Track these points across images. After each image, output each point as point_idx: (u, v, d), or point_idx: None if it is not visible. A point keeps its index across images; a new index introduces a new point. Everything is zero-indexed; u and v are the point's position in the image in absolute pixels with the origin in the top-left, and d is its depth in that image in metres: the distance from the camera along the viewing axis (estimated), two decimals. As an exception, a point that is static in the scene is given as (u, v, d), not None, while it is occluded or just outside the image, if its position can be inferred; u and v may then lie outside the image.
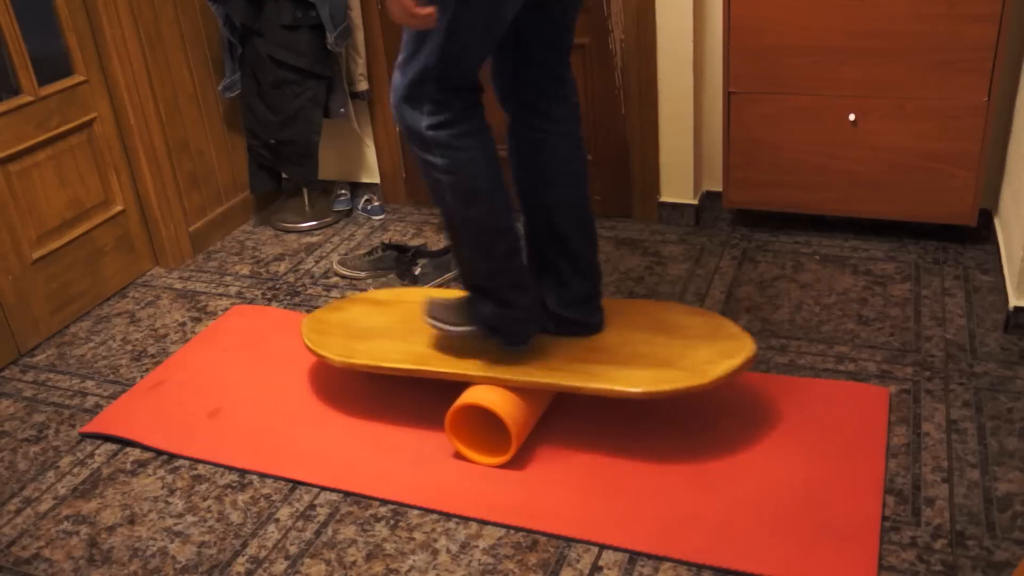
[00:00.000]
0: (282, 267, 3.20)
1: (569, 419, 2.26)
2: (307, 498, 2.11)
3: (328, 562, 1.92)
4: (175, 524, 2.06)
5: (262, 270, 3.19)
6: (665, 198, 3.21)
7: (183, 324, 2.88)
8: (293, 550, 1.96)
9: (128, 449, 2.32)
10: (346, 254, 3.23)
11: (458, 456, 2.16)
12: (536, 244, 2.22)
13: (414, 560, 1.91)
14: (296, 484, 2.15)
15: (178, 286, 3.12)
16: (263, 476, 2.18)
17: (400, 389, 2.43)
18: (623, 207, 3.26)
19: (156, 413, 2.43)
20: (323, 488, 2.13)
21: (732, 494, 1.99)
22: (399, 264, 2.98)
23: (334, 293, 2.98)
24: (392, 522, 2.01)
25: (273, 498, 2.12)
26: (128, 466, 2.26)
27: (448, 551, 1.92)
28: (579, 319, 2.23)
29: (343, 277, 3.08)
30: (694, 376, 2.02)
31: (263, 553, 1.96)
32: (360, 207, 3.58)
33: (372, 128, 3.52)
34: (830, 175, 2.90)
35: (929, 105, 2.70)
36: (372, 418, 2.34)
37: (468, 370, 2.14)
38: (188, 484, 2.18)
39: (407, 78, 1.93)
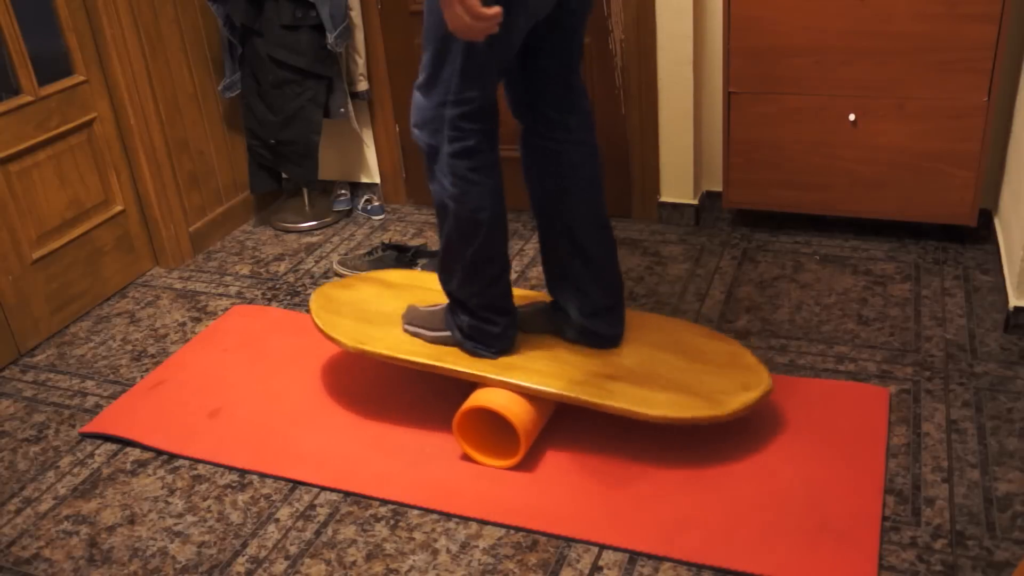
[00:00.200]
0: (282, 267, 3.20)
1: (569, 420, 2.25)
2: (307, 498, 2.11)
3: (328, 562, 1.92)
4: (175, 524, 2.06)
5: (262, 270, 3.19)
6: (665, 198, 3.21)
7: (183, 324, 2.88)
8: (293, 550, 1.96)
9: (128, 449, 2.32)
10: (346, 254, 3.23)
11: (465, 458, 2.15)
12: (554, 253, 2.21)
13: (414, 560, 1.91)
14: (296, 484, 2.15)
15: (178, 286, 3.12)
16: (263, 476, 2.18)
17: (400, 389, 2.43)
18: (623, 207, 3.26)
19: (156, 413, 2.43)
20: (323, 488, 2.13)
21: (732, 494, 1.99)
22: (399, 264, 2.98)
23: (334, 293, 2.98)
24: (392, 522, 2.01)
25: (273, 498, 2.12)
26: (128, 466, 2.26)
27: (448, 551, 1.92)
28: (600, 331, 2.21)
29: (343, 277, 3.08)
30: (712, 406, 2.01)
31: (263, 553, 1.96)
32: (360, 207, 3.58)
33: (372, 128, 3.52)
34: (830, 175, 2.90)
35: (929, 105, 2.70)
36: (372, 418, 2.33)
37: (485, 371, 2.13)
38: (188, 484, 2.18)
39: (430, 101, 1.95)
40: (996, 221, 2.89)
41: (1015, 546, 1.81)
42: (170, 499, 2.14)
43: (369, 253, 3.08)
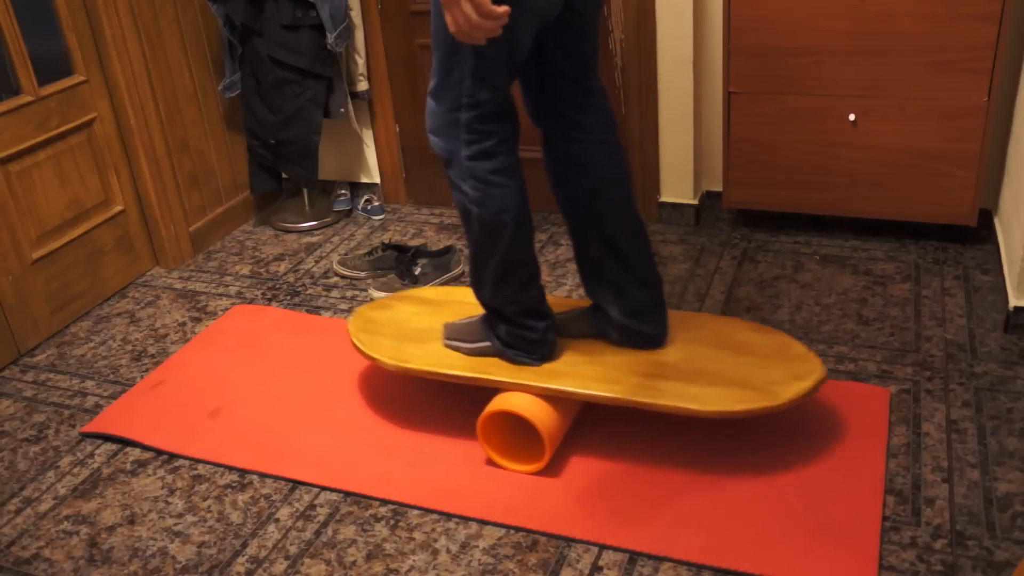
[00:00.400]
0: (282, 267, 3.20)
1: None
2: (307, 498, 2.10)
3: (328, 562, 1.92)
4: (175, 524, 2.06)
5: (262, 270, 3.19)
6: (665, 198, 3.21)
7: (183, 324, 2.88)
8: (293, 550, 1.96)
9: (128, 449, 2.32)
10: (346, 254, 3.23)
11: (492, 463, 2.14)
12: (588, 256, 2.19)
13: (414, 560, 1.91)
14: (296, 484, 2.15)
15: (178, 286, 3.12)
16: (263, 476, 2.18)
17: (401, 389, 2.43)
18: (623, 207, 3.26)
19: (156, 413, 2.43)
20: (323, 488, 2.13)
21: (732, 494, 1.99)
22: (399, 264, 2.98)
23: (334, 293, 2.98)
24: (392, 522, 2.01)
25: (273, 498, 2.12)
26: (128, 466, 2.26)
27: (448, 551, 1.92)
28: (644, 330, 2.18)
29: (343, 277, 3.08)
30: (765, 397, 1.98)
31: (263, 553, 1.96)
32: (360, 207, 3.58)
33: (372, 128, 3.52)
34: (830, 175, 2.90)
35: (929, 105, 2.70)
36: (372, 418, 2.33)
37: (529, 379, 2.09)
38: (188, 484, 2.18)
39: (443, 106, 1.93)
40: (996, 221, 2.89)
41: (1015, 546, 1.81)
42: (170, 499, 2.14)
43: (369, 253, 3.08)
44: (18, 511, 2.15)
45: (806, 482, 2.00)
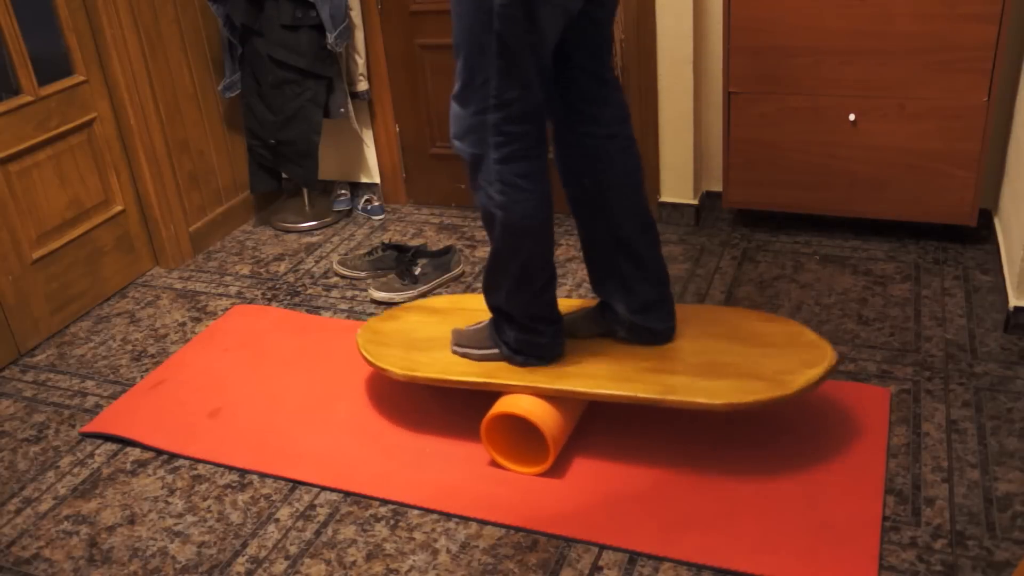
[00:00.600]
0: (282, 267, 3.20)
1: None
2: (307, 498, 2.10)
3: (328, 562, 1.92)
4: (175, 524, 2.06)
5: (262, 270, 3.19)
6: (665, 198, 3.21)
7: (183, 324, 2.88)
8: (293, 550, 1.96)
9: (128, 449, 2.32)
10: (346, 254, 3.23)
11: (493, 464, 2.14)
12: (597, 251, 2.17)
13: (414, 560, 1.91)
14: (296, 484, 2.15)
15: (178, 286, 3.12)
16: (263, 476, 2.18)
17: (401, 389, 2.43)
18: (623, 207, 3.26)
19: (156, 413, 2.43)
20: (323, 488, 2.13)
21: (732, 494, 1.99)
22: (399, 264, 2.98)
23: (334, 293, 2.98)
24: (392, 522, 2.01)
25: (273, 498, 2.12)
26: (128, 466, 2.26)
27: (448, 551, 1.92)
28: (651, 326, 2.17)
29: (343, 277, 3.08)
30: (775, 387, 1.96)
31: (263, 553, 1.96)
32: (360, 207, 3.58)
33: (372, 128, 3.52)
34: (830, 175, 2.90)
35: (929, 105, 2.70)
36: (372, 418, 2.33)
37: (539, 382, 2.08)
38: (188, 484, 2.18)
39: (469, 109, 1.91)
40: (996, 221, 2.89)
41: (1015, 546, 1.81)
42: (170, 499, 2.14)
43: (369, 253, 3.08)
44: (18, 511, 2.15)
45: (806, 482, 2.00)
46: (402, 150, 3.54)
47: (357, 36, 3.27)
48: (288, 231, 3.47)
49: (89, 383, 2.62)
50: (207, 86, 3.31)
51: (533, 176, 1.95)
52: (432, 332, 2.35)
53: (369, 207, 3.55)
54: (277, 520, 2.05)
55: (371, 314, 2.83)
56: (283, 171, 3.39)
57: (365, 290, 2.98)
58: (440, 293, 2.91)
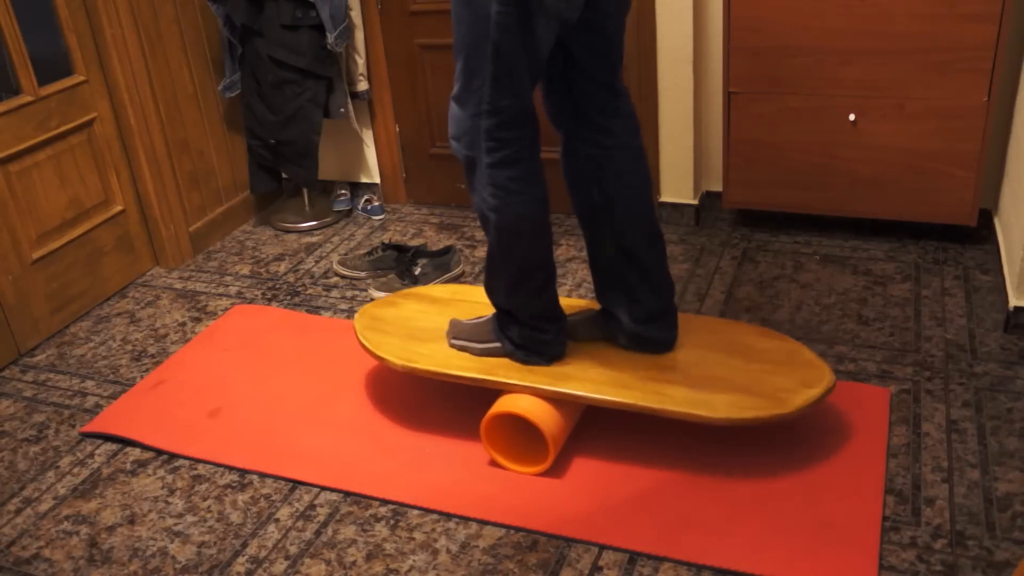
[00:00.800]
0: (282, 267, 3.20)
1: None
2: (307, 498, 2.10)
3: (328, 562, 1.92)
4: (175, 524, 2.06)
5: (262, 270, 3.19)
6: (665, 198, 3.21)
7: (183, 324, 2.88)
8: (293, 550, 1.96)
9: (128, 449, 2.32)
10: (346, 254, 3.23)
11: (492, 464, 2.14)
12: (602, 260, 2.17)
13: (414, 560, 1.91)
14: (296, 484, 2.15)
15: (178, 286, 3.12)
16: (263, 476, 2.18)
17: (401, 389, 2.43)
18: (623, 207, 3.26)
19: (156, 413, 2.43)
20: (323, 488, 2.13)
21: (732, 494, 1.99)
22: (399, 264, 2.98)
23: (334, 293, 2.98)
24: (392, 522, 2.01)
25: (273, 498, 2.12)
26: (128, 466, 2.26)
27: (448, 551, 1.92)
28: (653, 336, 2.17)
29: (343, 277, 3.08)
30: (775, 404, 1.97)
31: (263, 553, 1.96)
32: (360, 207, 3.58)
33: (372, 128, 3.52)
34: (830, 175, 2.90)
35: (929, 105, 2.71)
36: (372, 418, 2.33)
37: (539, 383, 2.08)
38: (188, 484, 2.18)
39: (466, 111, 1.92)
40: (996, 221, 2.89)
41: (1015, 546, 1.81)
42: (170, 499, 2.14)
43: (369, 253, 3.08)
44: (18, 511, 2.15)
45: (806, 482, 2.00)
46: (402, 150, 3.54)
47: (357, 36, 3.27)
48: (288, 231, 3.47)
49: (89, 383, 2.62)
50: (207, 86, 3.31)
51: (525, 179, 1.95)
52: (431, 322, 2.35)
53: (369, 207, 3.55)
54: (277, 520, 2.05)
55: (371, 314, 2.83)
56: (283, 171, 3.39)
57: (365, 290, 2.98)
58: (440, 293, 2.91)
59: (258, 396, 2.46)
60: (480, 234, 3.29)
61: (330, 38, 3.13)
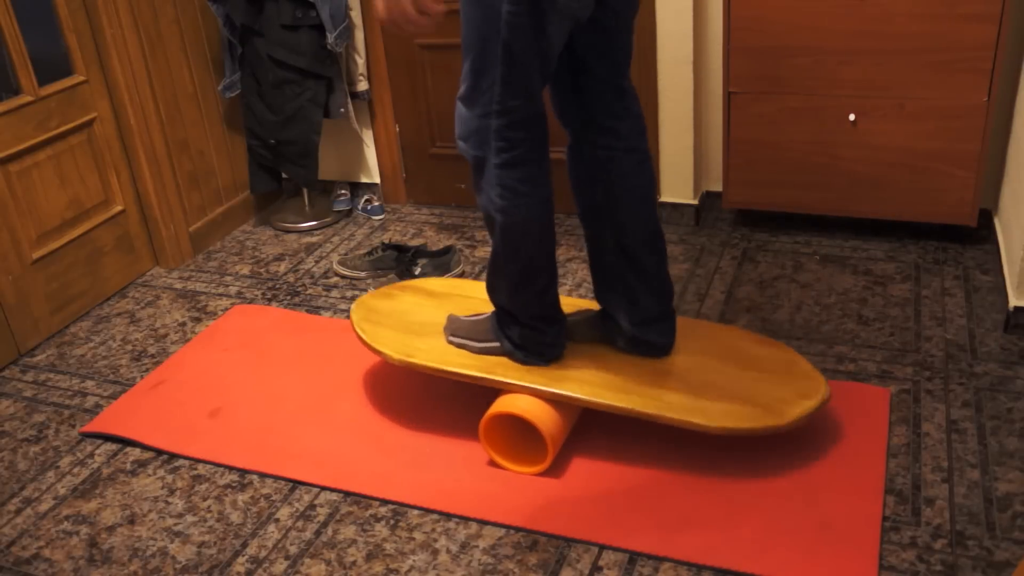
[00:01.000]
0: (282, 267, 3.20)
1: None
2: (307, 498, 2.11)
3: (328, 562, 1.92)
4: (175, 524, 2.06)
5: (262, 270, 3.19)
6: (665, 198, 3.21)
7: (183, 324, 2.88)
8: (293, 550, 1.96)
9: (128, 449, 2.32)
10: (346, 254, 3.23)
11: (492, 464, 2.14)
12: (603, 261, 2.16)
13: (414, 560, 1.91)
14: (296, 484, 2.15)
15: (178, 286, 3.13)
16: (263, 476, 2.18)
17: (401, 389, 2.43)
18: (623, 207, 3.26)
19: (156, 413, 2.43)
20: (323, 488, 2.13)
21: (732, 494, 1.99)
22: (399, 264, 2.98)
23: (334, 293, 2.98)
24: (392, 522, 2.01)
25: (273, 498, 2.12)
26: (128, 466, 2.26)
27: (448, 551, 1.92)
28: (652, 339, 2.16)
29: (343, 277, 3.08)
30: (771, 415, 1.97)
31: (263, 553, 1.96)
32: (360, 207, 3.58)
33: (372, 128, 3.52)
34: (830, 175, 2.90)
35: (929, 105, 2.71)
36: (372, 418, 2.33)
37: (537, 383, 2.07)
38: (188, 484, 2.18)
39: (474, 111, 1.91)
40: (996, 221, 2.89)
41: (1015, 546, 1.81)
42: (170, 499, 2.14)
43: (369, 253, 3.08)
44: (18, 511, 2.15)
45: (806, 482, 2.00)
46: (402, 150, 3.54)
47: (357, 36, 3.27)
48: (288, 231, 3.47)
49: (89, 383, 2.62)
50: (207, 86, 3.31)
51: (533, 180, 1.94)
52: (429, 316, 2.34)
53: (369, 207, 3.55)
54: (277, 520, 2.05)
55: (371, 314, 2.83)
56: (283, 171, 3.39)
57: (365, 290, 2.98)
58: (440, 293, 2.91)
59: (258, 396, 2.46)
60: (481, 234, 3.29)
61: (330, 38, 3.13)
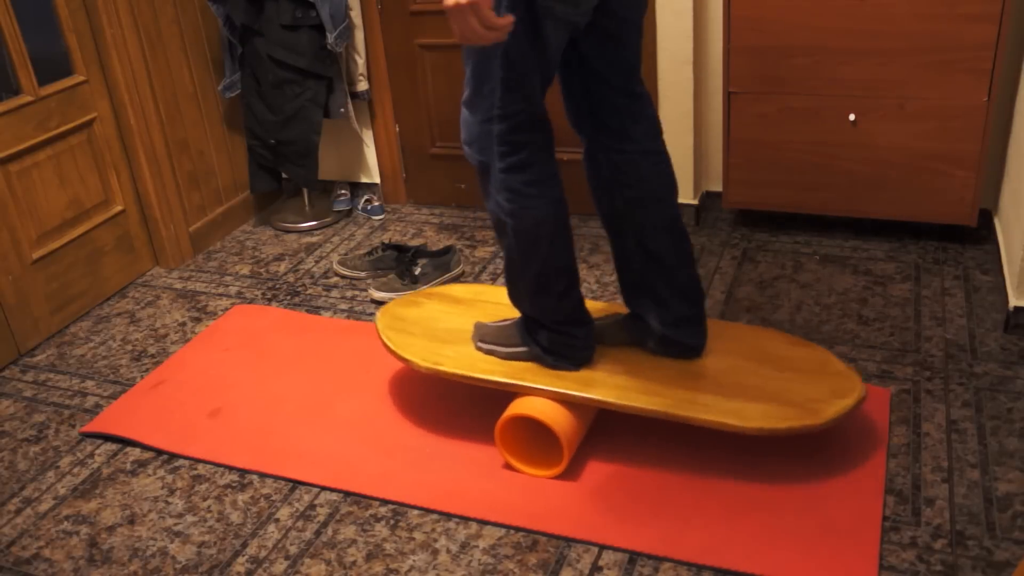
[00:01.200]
0: (282, 267, 3.20)
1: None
2: (307, 498, 2.11)
3: (328, 562, 1.92)
4: (175, 524, 2.06)
5: (262, 270, 3.19)
6: (665, 198, 3.21)
7: (183, 324, 2.88)
8: (293, 550, 1.96)
9: (128, 449, 2.32)
10: (346, 254, 3.23)
11: (506, 466, 2.13)
12: (629, 265, 2.14)
13: (414, 560, 1.91)
14: (296, 484, 2.15)
15: (178, 286, 3.13)
16: (263, 476, 2.18)
17: (401, 389, 2.43)
18: (623, 207, 3.26)
19: (156, 413, 2.43)
20: (323, 488, 2.13)
21: (732, 494, 1.99)
22: (399, 264, 2.98)
23: (334, 293, 2.98)
24: (392, 522, 2.01)
25: (273, 498, 2.12)
26: (128, 466, 2.26)
27: (448, 551, 1.92)
28: (683, 340, 2.14)
29: (343, 277, 3.08)
30: (807, 415, 1.95)
31: (263, 553, 1.96)
32: (360, 207, 3.58)
33: (372, 128, 3.52)
34: (830, 175, 2.90)
35: (929, 105, 2.71)
36: (372, 418, 2.33)
37: (568, 388, 2.05)
38: (188, 484, 2.18)
39: (477, 116, 1.91)
40: (996, 221, 2.89)
41: (1015, 546, 1.81)
42: (170, 499, 2.14)
43: (369, 253, 3.08)
44: (18, 511, 2.15)
45: (806, 482, 2.00)
46: (402, 150, 3.54)
47: (357, 36, 3.27)
48: (288, 231, 3.47)
49: (89, 383, 2.62)
50: (207, 86, 3.31)
51: (540, 183, 1.93)
52: (455, 323, 2.31)
53: (369, 207, 3.55)
54: (277, 520, 2.05)
55: (371, 314, 2.83)
56: (283, 171, 3.39)
57: (365, 290, 2.98)
58: (440, 293, 2.91)
59: (258, 396, 2.46)
60: (481, 234, 3.29)
61: (330, 38, 3.13)
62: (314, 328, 2.77)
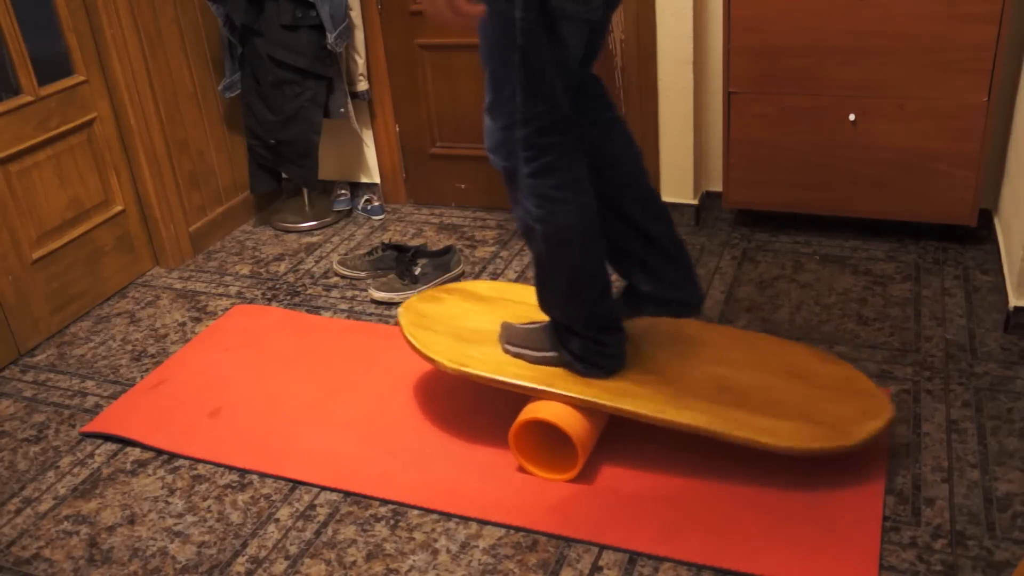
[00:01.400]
0: (282, 267, 3.20)
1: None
2: (307, 498, 2.11)
3: (328, 562, 1.92)
4: (175, 524, 2.06)
5: (262, 270, 3.19)
6: (665, 198, 3.21)
7: (183, 324, 2.88)
8: (293, 550, 1.96)
9: (128, 449, 2.32)
10: (346, 254, 3.23)
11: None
12: (608, 234, 2.08)
13: (414, 560, 1.91)
14: (296, 484, 2.15)
15: (178, 286, 3.13)
16: (263, 476, 2.18)
17: (401, 389, 2.43)
18: (623, 207, 3.26)
19: (156, 413, 2.43)
20: (323, 488, 2.13)
21: (732, 494, 1.99)
22: (399, 264, 2.98)
23: (334, 293, 2.98)
24: (392, 522, 2.01)
25: (273, 498, 2.12)
26: (128, 466, 2.26)
27: (448, 551, 1.92)
28: (677, 297, 2.11)
29: (343, 277, 3.08)
30: (839, 435, 1.93)
31: (263, 553, 1.96)
32: (360, 207, 3.58)
33: (372, 128, 3.52)
34: (830, 175, 2.90)
35: (929, 105, 2.71)
36: (372, 418, 2.33)
37: (598, 397, 2.02)
38: (188, 484, 2.18)
39: (499, 122, 1.89)
40: (996, 221, 2.89)
41: (1015, 546, 1.81)
42: (170, 499, 2.14)
43: (369, 253, 3.08)
44: (18, 511, 2.15)
45: (806, 482, 2.00)
46: (402, 150, 3.54)
47: (357, 36, 3.27)
48: (288, 231, 3.47)
49: (89, 383, 2.62)
50: (207, 86, 3.31)
51: (569, 186, 1.90)
52: (480, 322, 2.27)
53: (369, 207, 3.55)
54: (277, 520, 2.05)
55: (371, 314, 2.83)
56: (283, 171, 3.39)
57: (365, 290, 2.98)
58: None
59: (258, 396, 2.46)
60: (481, 234, 3.29)
61: (330, 38, 3.13)
62: (314, 328, 2.77)
